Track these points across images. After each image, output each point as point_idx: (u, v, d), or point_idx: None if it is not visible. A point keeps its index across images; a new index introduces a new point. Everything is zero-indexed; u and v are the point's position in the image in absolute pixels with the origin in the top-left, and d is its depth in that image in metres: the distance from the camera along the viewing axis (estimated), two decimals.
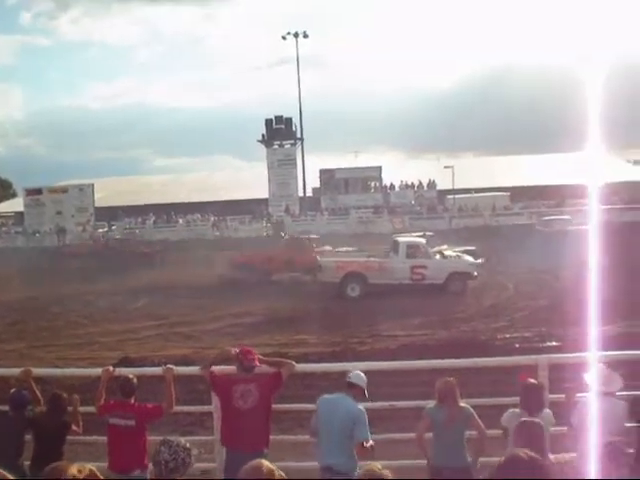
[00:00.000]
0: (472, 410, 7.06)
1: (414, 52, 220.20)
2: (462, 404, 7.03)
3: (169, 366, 7.82)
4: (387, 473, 3.78)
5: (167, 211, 65.88)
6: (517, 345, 16.14)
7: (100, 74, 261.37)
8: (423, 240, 28.14)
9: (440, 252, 27.74)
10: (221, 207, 64.20)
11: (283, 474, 3.95)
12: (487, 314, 21.62)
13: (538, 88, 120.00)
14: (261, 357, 7.69)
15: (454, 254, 27.59)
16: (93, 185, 68.35)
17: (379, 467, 3.87)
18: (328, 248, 32.12)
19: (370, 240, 38.35)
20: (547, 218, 42.25)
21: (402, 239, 28.33)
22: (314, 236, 37.61)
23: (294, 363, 7.78)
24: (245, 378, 7.27)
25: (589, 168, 48.84)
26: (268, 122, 67.28)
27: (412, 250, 26.71)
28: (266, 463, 3.91)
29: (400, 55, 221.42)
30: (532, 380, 7.10)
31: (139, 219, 64.46)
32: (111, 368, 8.11)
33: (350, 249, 31.04)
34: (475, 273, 26.37)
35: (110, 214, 65.90)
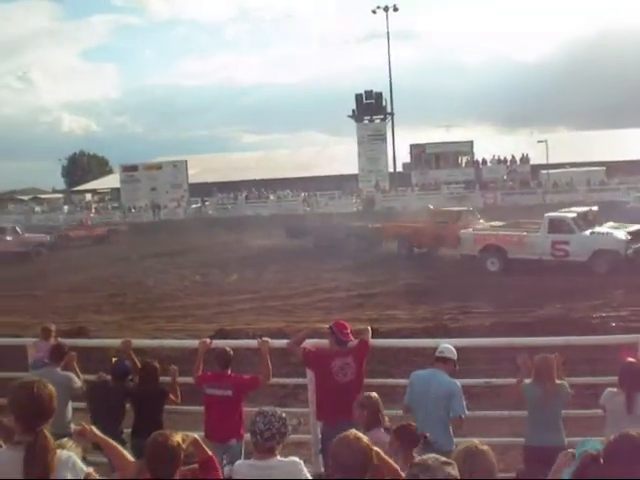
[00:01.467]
0: (569, 388, 6.94)
1: (506, 22, 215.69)
2: (559, 381, 6.92)
3: (264, 338, 7.93)
4: (487, 449, 3.77)
5: (258, 187, 66.67)
6: (613, 324, 15.76)
7: (190, 51, 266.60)
8: (570, 215, 26.07)
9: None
10: (311, 183, 64.58)
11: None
12: (582, 292, 20.98)
13: (635, 57, 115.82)
14: None
15: (605, 231, 25.26)
16: (186, 162, 69.51)
17: (478, 443, 3.85)
18: (482, 222, 30.54)
19: None
20: None
21: (548, 213, 26.80)
22: (466, 208, 35.00)
23: (369, 327, 7.87)
24: (342, 351, 7.31)
25: None
26: (358, 97, 67.08)
27: (555, 224, 25.31)
28: (354, 432, 4.01)
29: (491, 26, 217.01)
30: (632, 359, 6.93)
31: (231, 195, 65.39)
32: (208, 340, 8.28)
33: (501, 223, 29.12)
34: (627, 252, 24.09)
35: (203, 190, 67.10)
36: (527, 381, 7.06)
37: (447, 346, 7.18)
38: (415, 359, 9.96)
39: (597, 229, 25.24)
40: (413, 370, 7.34)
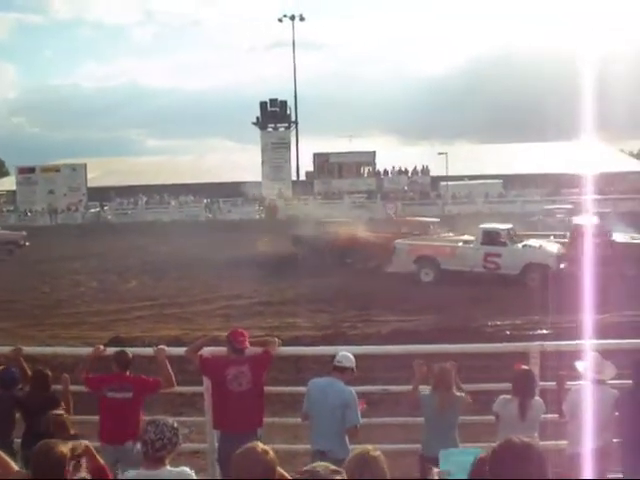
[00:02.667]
0: (464, 396, 7.03)
1: (411, 37, 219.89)
2: (457, 393, 7.00)
3: (160, 346, 7.80)
4: (379, 455, 3.78)
5: (159, 192, 65.82)
6: (508, 332, 16.16)
7: (94, 54, 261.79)
8: (505, 226, 25.98)
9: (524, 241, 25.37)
10: (214, 189, 64.12)
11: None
12: (479, 301, 21.39)
13: (534, 76, 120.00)
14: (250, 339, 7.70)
15: (537, 244, 25.02)
16: (86, 165, 68.10)
17: (371, 448, 3.87)
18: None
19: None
20: (549, 207, 41.19)
21: (482, 225, 26.38)
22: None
23: (277, 340, 7.74)
24: (238, 360, 7.19)
25: (583, 157, 49.08)
26: (263, 105, 67.11)
27: (489, 237, 24.98)
28: (261, 445, 3.94)
29: (397, 40, 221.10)
30: (525, 367, 7.09)
31: (131, 200, 64.28)
32: (102, 347, 8.09)
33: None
34: (557, 266, 23.54)
35: (102, 194, 65.76)
36: (425, 391, 7.12)
37: (345, 354, 7.17)
38: (314, 367, 9.95)
39: (530, 242, 25.15)
40: (311, 378, 7.33)
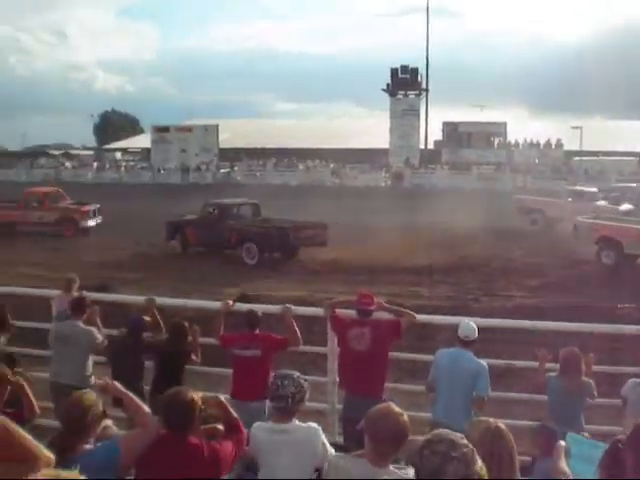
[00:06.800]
0: (593, 385, 6.79)
1: (548, 5, 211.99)
2: (584, 378, 6.75)
3: (287, 305, 7.96)
4: (503, 426, 3.66)
5: (288, 155, 66.44)
6: None
7: (229, 16, 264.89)
8: None
9: None
10: (340, 154, 64.07)
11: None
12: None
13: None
14: (384, 304, 7.77)
15: None
16: (217, 126, 69.20)
17: (493, 420, 3.72)
18: None
19: (492, 198, 37.11)
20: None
21: None
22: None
23: (415, 314, 7.73)
24: (360, 321, 7.39)
25: None
26: (393, 71, 66.38)
27: None
28: (397, 407, 3.93)
29: (533, 6, 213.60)
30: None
31: (260, 162, 65.22)
32: (230, 302, 8.31)
33: None
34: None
35: (233, 155, 67.05)
36: (553, 373, 6.90)
37: (470, 327, 7.09)
38: (436, 336, 9.86)
39: None
40: (435, 347, 7.31)
